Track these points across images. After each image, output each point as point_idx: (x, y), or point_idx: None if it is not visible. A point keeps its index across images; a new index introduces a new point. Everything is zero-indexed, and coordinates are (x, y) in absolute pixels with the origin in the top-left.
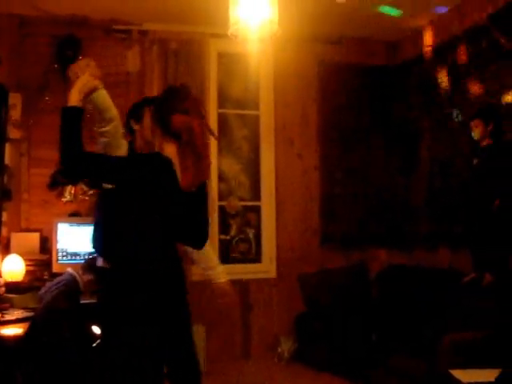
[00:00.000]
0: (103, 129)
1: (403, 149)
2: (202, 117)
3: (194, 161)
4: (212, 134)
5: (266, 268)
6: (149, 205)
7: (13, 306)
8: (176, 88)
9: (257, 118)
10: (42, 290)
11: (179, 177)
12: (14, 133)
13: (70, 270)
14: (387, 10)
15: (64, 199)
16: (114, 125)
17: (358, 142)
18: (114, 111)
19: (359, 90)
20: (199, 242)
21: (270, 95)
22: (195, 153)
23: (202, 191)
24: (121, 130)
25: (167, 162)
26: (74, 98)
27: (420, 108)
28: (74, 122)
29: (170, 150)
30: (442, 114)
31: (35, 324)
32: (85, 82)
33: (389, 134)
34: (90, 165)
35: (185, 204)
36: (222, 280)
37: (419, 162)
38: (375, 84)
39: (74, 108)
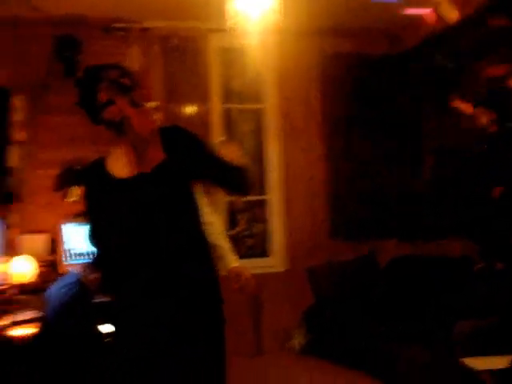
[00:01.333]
0: None
1: (407, 138)
2: (130, 89)
3: (137, 146)
4: (151, 101)
5: (275, 262)
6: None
7: (23, 307)
8: (81, 80)
9: (261, 112)
10: (48, 292)
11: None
12: (18, 135)
13: (73, 270)
14: None
15: (70, 200)
16: None
17: (363, 133)
18: None
19: (362, 80)
20: (238, 190)
21: (274, 88)
22: (136, 138)
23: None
24: None
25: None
26: None
27: (423, 96)
28: None
29: (120, 146)
30: (446, 101)
31: (46, 325)
32: None
33: (392, 123)
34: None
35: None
36: (236, 264)
37: (424, 150)
38: (378, 73)
39: None
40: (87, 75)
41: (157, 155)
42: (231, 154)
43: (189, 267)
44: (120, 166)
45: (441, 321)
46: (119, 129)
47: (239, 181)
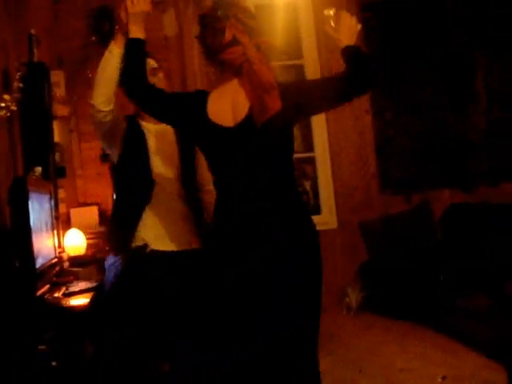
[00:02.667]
0: None
1: (458, 82)
2: (256, 33)
3: (256, 94)
4: (274, 51)
5: (326, 219)
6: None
7: (77, 279)
8: (209, 15)
9: (301, 68)
10: (108, 262)
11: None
12: (60, 110)
13: None
14: None
15: None
16: None
17: (409, 79)
18: None
19: (406, 24)
20: (360, 87)
21: (313, 42)
22: (257, 85)
23: (268, 128)
24: None
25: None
26: (135, 29)
27: (475, 38)
28: (139, 53)
29: (231, 86)
30: (499, 42)
31: (101, 295)
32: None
33: (441, 68)
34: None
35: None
36: None
37: (475, 94)
38: (423, 16)
39: (137, 40)
40: (217, 10)
41: (275, 104)
42: (347, 28)
43: (282, 230)
44: (223, 106)
45: (499, 269)
46: (237, 71)
47: (361, 69)
